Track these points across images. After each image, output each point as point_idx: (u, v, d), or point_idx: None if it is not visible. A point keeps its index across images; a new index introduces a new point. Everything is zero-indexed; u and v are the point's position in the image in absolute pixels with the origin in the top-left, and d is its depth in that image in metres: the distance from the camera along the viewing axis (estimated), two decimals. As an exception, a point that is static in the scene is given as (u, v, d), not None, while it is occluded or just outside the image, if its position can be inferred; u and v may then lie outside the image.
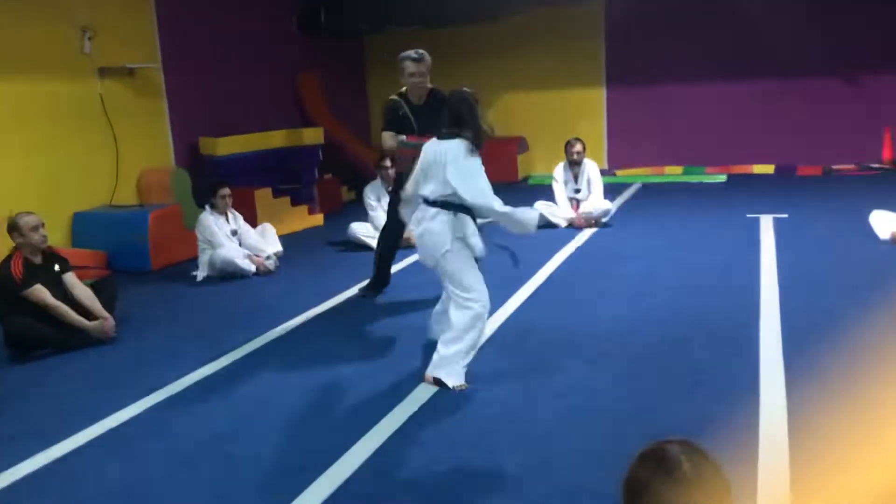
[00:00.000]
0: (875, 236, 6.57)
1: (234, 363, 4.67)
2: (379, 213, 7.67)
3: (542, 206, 8.01)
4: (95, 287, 5.40)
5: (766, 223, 7.58)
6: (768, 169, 11.02)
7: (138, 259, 7.16)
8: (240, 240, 6.98)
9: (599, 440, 3.39)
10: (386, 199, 7.70)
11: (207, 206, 6.98)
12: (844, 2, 10.35)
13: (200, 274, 6.83)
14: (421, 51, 5.32)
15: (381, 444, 3.47)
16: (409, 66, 5.25)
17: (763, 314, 4.91)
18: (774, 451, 3.18)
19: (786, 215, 7.89)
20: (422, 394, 4.00)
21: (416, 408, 3.84)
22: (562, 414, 3.68)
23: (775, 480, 2.98)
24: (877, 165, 10.57)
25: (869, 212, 6.78)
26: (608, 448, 3.27)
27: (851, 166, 10.68)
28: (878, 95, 10.65)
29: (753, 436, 3.30)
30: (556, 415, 3.68)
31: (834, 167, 10.71)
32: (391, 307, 5.66)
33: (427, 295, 5.49)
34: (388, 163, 7.73)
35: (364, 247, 7.59)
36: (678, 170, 11.38)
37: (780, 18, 10.35)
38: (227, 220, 6.98)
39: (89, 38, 7.53)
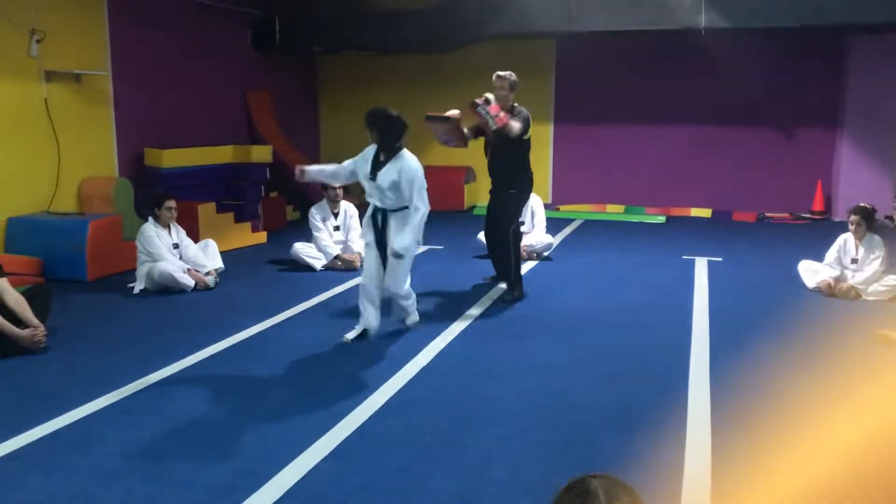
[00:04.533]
0: (803, 284, 6.84)
1: (167, 378, 4.61)
2: (323, 233, 7.67)
3: (484, 237, 8.13)
4: (29, 294, 5.25)
5: (701, 265, 7.82)
6: (706, 213, 11.38)
7: (75, 268, 7.01)
8: (180, 253, 6.90)
9: (529, 470, 3.44)
10: (331, 221, 7.72)
11: (150, 218, 6.89)
12: (781, 62, 10.83)
13: (137, 286, 6.73)
14: (509, 72, 6.41)
15: (313, 465, 3.47)
16: (495, 81, 6.41)
17: (693, 352, 5.07)
18: (698, 488, 3.28)
19: (720, 259, 8.14)
20: (356, 417, 4.01)
21: (349, 431, 3.84)
22: (494, 443, 3.73)
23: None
24: (807, 215, 11.00)
25: (798, 259, 7.06)
26: (536, 478, 3.33)
27: (785, 214, 11.10)
28: (812, 150, 11.15)
29: (678, 472, 3.40)
30: (488, 444, 3.73)
31: (767, 214, 11.11)
32: (331, 329, 5.65)
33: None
34: (335, 184, 7.74)
35: (307, 267, 7.58)
36: (619, 209, 11.64)
37: (722, 71, 10.78)
38: (170, 232, 6.90)
39: (37, 41, 7.39)
